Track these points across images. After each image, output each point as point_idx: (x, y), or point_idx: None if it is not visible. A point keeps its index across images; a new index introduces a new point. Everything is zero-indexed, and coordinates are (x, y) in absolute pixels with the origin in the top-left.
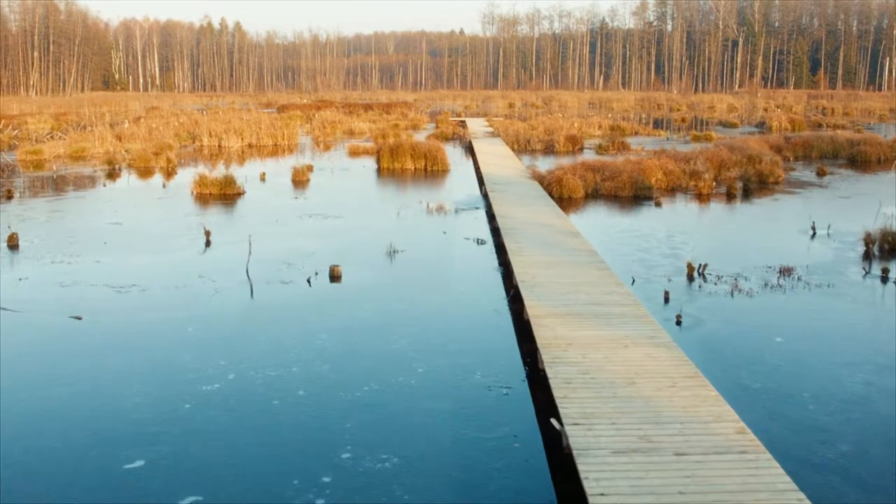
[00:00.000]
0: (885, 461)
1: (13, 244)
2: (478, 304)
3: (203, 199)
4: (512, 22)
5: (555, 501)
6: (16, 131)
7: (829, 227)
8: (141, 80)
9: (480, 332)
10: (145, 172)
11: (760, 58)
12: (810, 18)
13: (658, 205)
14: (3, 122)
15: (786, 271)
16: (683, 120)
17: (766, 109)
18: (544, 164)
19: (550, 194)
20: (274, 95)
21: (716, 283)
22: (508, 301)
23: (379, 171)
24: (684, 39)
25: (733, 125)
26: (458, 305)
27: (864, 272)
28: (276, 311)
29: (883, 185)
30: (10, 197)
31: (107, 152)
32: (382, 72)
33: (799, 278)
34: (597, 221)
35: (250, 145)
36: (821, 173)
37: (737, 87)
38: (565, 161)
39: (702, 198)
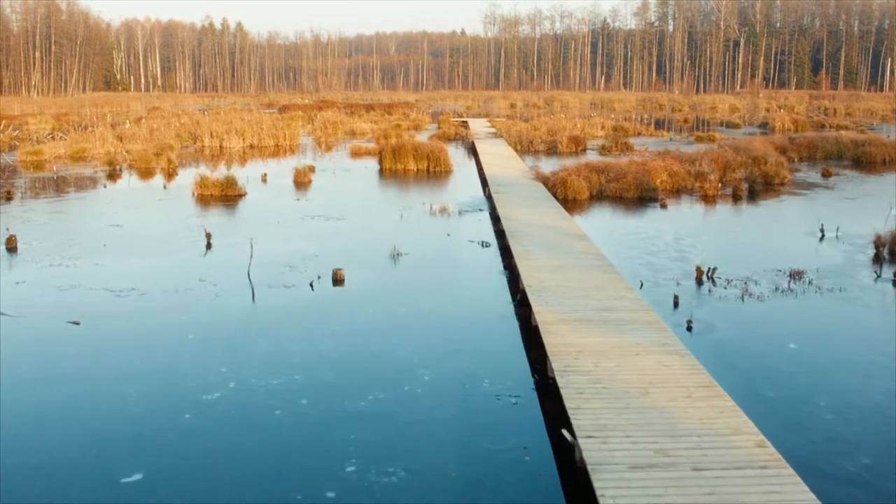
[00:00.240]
0: None
1: (11, 246)
2: (484, 309)
3: (204, 200)
4: (513, 22)
5: None
6: (16, 132)
7: (837, 229)
8: (142, 81)
9: (487, 337)
10: (146, 173)
11: (762, 58)
12: (812, 19)
13: (663, 206)
14: (3, 122)
15: (796, 275)
16: (686, 120)
17: (768, 110)
18: (547, 165)
19: (555, 195)
20: (275, 96)
21: (725, 287)
22: (514, 305)
23: (381, 171)
24: (686, 40)
25: (736, 126)
26: (464, 310)
27: (875, 276)
28: (278, 315)
29: (889, 186)
30: (9, 198)
31: (107, 153)
32: (384, 72)
33: (810, 282)
34: (602, 223)
35: (252, 146)
36: (826, 174)
37: (738, 87)
38: (569, 162)
39: (707, 199)
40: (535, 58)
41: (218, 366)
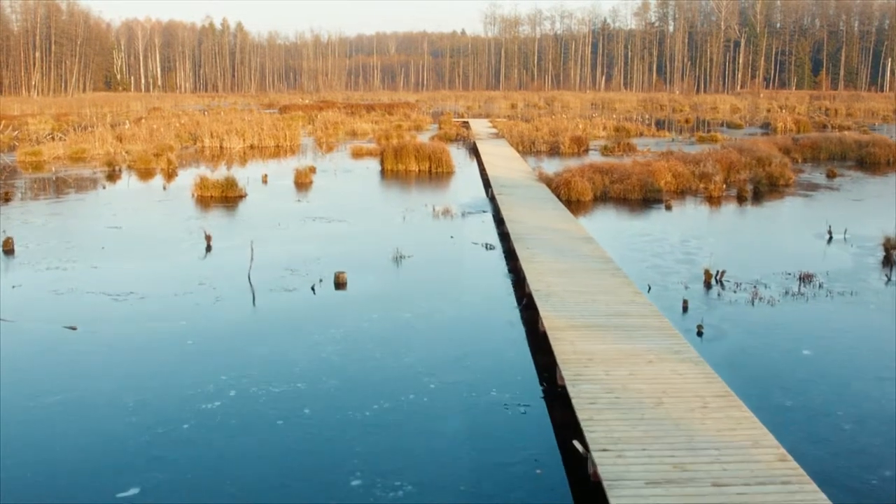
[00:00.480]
0: None
1: (8, 249)
2: (489, 314)
3: (204, 201)
4: (514, 22)
5: None
6: (16, 132)
7: (845, 231)
8: (143, 81)
9: (493, 344)
10: (146, 174)
11: (762, 58)
12: (812, 19)
13: (668, 208)
14: (3, 122)
15: (806, 278)
16: (687, 121)
17: (769, 110)
18: (550, 166)
19: (558, 197)
20: (276, 96)
21: (735, 291)
22: (520, 310)
23: (382, 172)
24: (686, 40)
25: (737, 126)
26: (469, 315)
27: (886, 279)
28: (279, 320)
29: (894, 187)
30: (7, 199)
31: (107, 153)
32: (384, 72)
33: (820, 286)
34: (607, 225)
35: (252, 146)
36: (831, 175)
37: (739, 87)
38: (571, 163)
39: (712, 200)
40: (536, 58)
41: (218, 373)
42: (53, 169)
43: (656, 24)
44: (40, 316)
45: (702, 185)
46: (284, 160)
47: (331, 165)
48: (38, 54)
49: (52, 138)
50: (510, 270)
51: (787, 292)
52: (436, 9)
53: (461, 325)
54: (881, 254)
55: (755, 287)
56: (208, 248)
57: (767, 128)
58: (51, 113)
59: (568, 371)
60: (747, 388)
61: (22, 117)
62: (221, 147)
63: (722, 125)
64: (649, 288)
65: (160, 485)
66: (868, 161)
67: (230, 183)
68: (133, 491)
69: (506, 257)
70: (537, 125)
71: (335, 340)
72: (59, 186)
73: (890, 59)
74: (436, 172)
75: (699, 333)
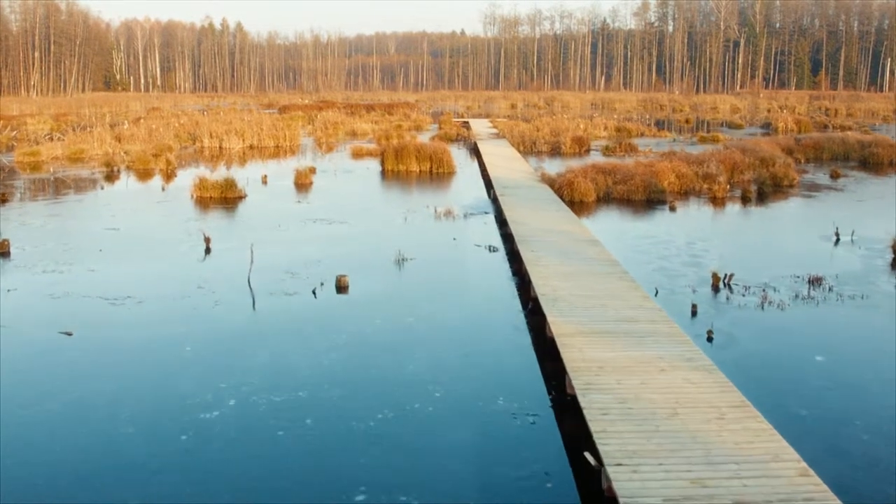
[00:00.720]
0: None
1: (4, 251)
2: (494, 319)
3: (203, 202)
4: (513, 22)
5: None
6: (14, 132)
7: (852, 232)
8: (142, 81)
9: (499, 350)
10: (144, 174)
11: (762, 58)
12: (811, 19)
13: (672, 209)
14: (2, 122)
15: (815, 281)
16: (687, 121)
17: (769, 110)
18: (552, 167)
19: (561, 198)
20: (275, 96)
21: (744, 295)
22: (526, 314)
23: (383, 173)
24: (685, 40)
25: (738, 126)
26: (474, 320)
27: None
28: (279, 326)
29: None
30: (4, 200)
31: (105, 154)
32: (384, 72)
33: (830, 289)
34: (611, 227)
35: (251, 147)
36: (834, 176)
37: (738, 87)
38: (573, 163)
39: (716, 201)
40: (535, 58)
41: (217, 381)
42: (52, 169)
43: (656, 24)
44: (35, 321)
45: (705, 186)
46: (284, 160)
47: (331, 166)
48: (37, 54)
49: (51, 138)
50: (514, 273)
51: (796, 296)
52: (435, 9)
53: (466, 330)
54: (890, 256)
55: (764, 290)
56: (207, 251)
57: (768, 128)
58: (50, 113)
59: (578, 380)
60: (760, 396)
61: (21, 117)
62: (221, 147)
63: (722, 125)
64: (656, 292)
65: (157, 500)
66: (871, 162)
67: (229, 184)
68: None
69: (509, 259)
70: (538, 125)
71: (337, 346)
72: (57, 187)
73: (889, 60)
74: (437, 173)
75: (709, 339)
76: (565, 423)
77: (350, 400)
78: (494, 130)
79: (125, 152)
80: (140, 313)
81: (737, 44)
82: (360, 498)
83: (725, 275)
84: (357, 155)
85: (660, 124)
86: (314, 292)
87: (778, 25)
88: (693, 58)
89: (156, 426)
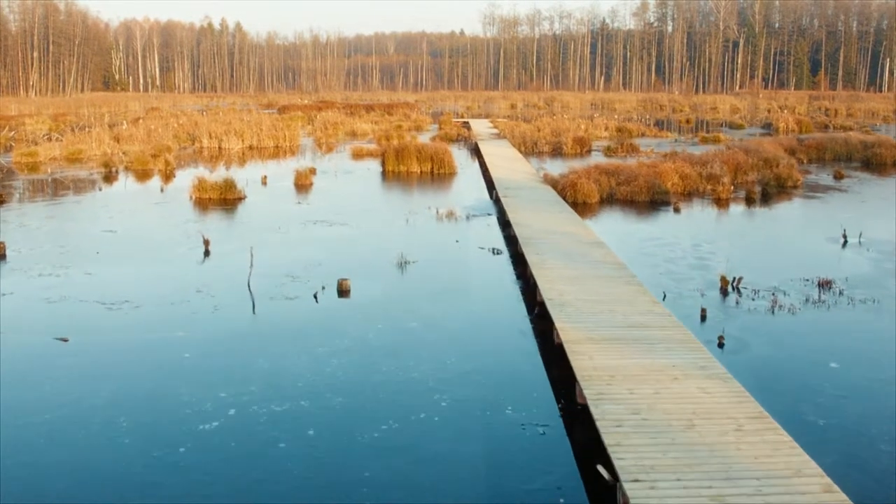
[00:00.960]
0: None
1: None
2: (500, 324)
3: (202, 204)
4: (512, 23)
5: None
6: (13, 132)
7: (860, 234)
8: (141, 81)
9: (506, 356)
10: (143, 175)
11: (761, 59)
12: (810, 19)
13: (677, 210)
14: (0, 122)
15: (825, 284)
16: (687, 121)
17: (769, 110)
18: (553, 167)
19: (563, 199)
20: (274, 96)
21: (753, 299)
22: (532, 319)
23: (384, 173)
24: (685, 40)
25: (739, 126)
26: (479, 324)
27: None
28: (280, 331)
29: None
30: (1, 202)
31: (104, 154)
32: (383, 72)
33: (840, 292)
34: (616, 229)
35: (251, 147)
36: (838, 176)
37: (737, 87)
38: (575, 164)
39: (721, 203)
40: (535, 58)
41: (216, 390)
42: (49, 170)
43: (655, 24)
44: (29, 327)
45: (709, 187)
46: (284, 161)
47: (331, 166)
48: (36, 54)
49: (49, 139)
50: (518, 276)
51: (807, 300)
52: (434, 9)
53: (471, 335)
54: None
55: (774, 294)
56: (206, 253)
57: (769, 128)
58: (48, 113)
59: (589, 390)
60: (775, 404)
61: (19, 117)
62: (220, 148)
63: (723, 125)
64: (664, 295)
65: None
66: (874, 162)
67: (229, 185)
68: None
69: (513, 262)
70: (539, 125)
71: (339, 353)
72: (54, 188)
73: (888, 60)
74: (438, 174)
75: (720, 345)
76: (576, 434)
77: (353, 409)
78: (495, 131)
79: (124, 153)
80: (137, 318)
81: (736, 44)
82: None
83: (734, 278)
84: (357, 155)
85: (660, 124)
86: (315, 296)
87: (777, 25)
88: (692, 58)
89: (153, 437)
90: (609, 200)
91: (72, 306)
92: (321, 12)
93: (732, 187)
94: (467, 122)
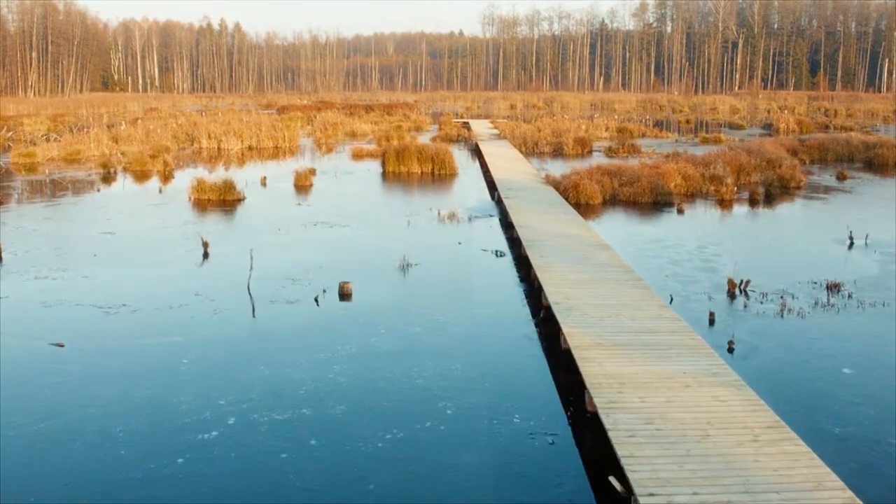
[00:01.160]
0: None
1: None
2: (505, 328)
3: (201, 205)
4: (511, 23)
5: None
6: (11, 133)
7: (866, 236)
8: (140, 81)
9: (512, 362)
10: (141, 176)
11: (760, 59)
12: (809, 20)
13: (680, 212)
14: None
15: (833, 287)
16: (687, 122)
17: (768, 111)
18: (555, 168)
19: (567, 200)
20: (274, 96)
21: (761, 302)
22: (537, 323)
23: (384, 174)
24: (684, 41)
25: (739, 127)
26: (484, 329)
27: None
28: (281, 336)
29: None
30: None
31: (102, 155)
32: (382, 73)
33: (850, 295)
34: (620, 230)
35: (250, 147)
36: (841, 177)
37: (737, 88)
38: (576, 164)
39: (724, 204)
40: (534, 59)
41: (216, 398)
42: (47, 171)
43: (654, 24)
44: (25, 331)
45: (712, 188)
46: (283, 162)
47: (331, 167)
48: (34, 54)
49: (48, 139)
50: (522, 279)
51: (816, 303)
52: (434, 9)
53: (476, 340)
54: None
55: (782, 297)
56: (205, 256)
57: (769, 129)
58: (47, 113)
59: (600, 398)
60: (789, 412)
61: (18, 118)
62: (219, 148)
63: (723, 126)
64: (671, 299)
65: None
66: (876, 163)
67: (228, 185)
68: None
69: (517, 265)
70: (539, 126)
71: (342, 359)
72: (51, 189)
73: (887, 61)
74: (438, 174)
75: (730, 350)
76: (586, 443)
77: (356, 417)
78: (495, 131)
79: (122, 153)
80: (135, 323)
81: (735, 44)
82: None
83: (741, 281)
84: (357, 156)
85: (660, 125)
86: (316, 300)
87: (776, 26)
88: (691, 58)
89: (151, 447)
90: (612, 201)
91: (68, 310)
92: (320, 13)
93: (736, 188)
94: (467, 123)
